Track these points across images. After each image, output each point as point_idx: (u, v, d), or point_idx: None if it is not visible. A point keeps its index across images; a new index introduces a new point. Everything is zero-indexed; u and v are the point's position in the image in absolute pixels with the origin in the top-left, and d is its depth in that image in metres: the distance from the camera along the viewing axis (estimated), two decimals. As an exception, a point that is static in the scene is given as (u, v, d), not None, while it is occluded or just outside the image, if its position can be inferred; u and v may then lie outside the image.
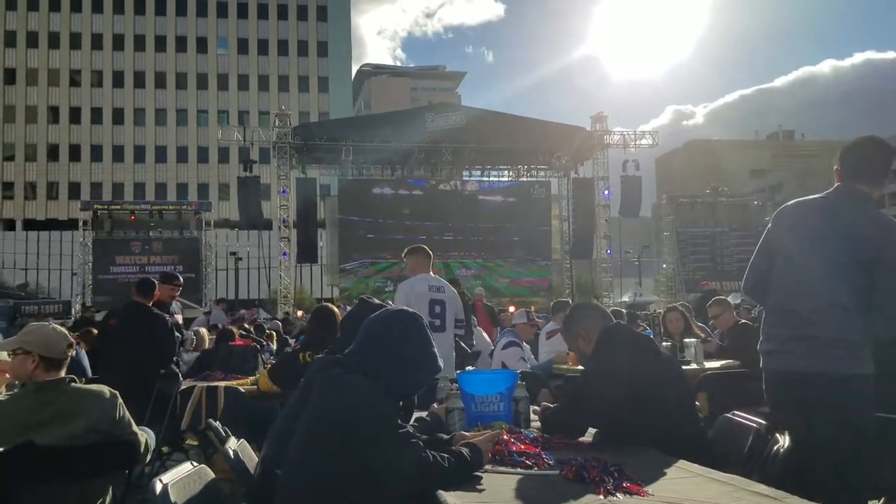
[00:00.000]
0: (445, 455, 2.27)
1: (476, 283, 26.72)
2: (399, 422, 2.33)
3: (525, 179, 31.46)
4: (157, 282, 6.79)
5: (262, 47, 69.02)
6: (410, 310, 2.68)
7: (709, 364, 6.25)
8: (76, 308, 28.09)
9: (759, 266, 3.34)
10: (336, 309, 5.67)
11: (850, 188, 3.19)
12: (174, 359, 6.55)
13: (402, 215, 28.99)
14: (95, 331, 8.89)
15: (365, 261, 28.82)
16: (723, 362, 6.42)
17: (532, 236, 30.19)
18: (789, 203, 3.39)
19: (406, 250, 6.16)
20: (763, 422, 2.92)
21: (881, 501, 3.32)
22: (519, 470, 2.40)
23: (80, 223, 29.16)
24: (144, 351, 6.28)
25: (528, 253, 30.31)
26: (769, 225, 3.40)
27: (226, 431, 3.20)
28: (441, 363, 2.54)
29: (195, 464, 2.55)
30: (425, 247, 6.22)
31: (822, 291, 2.99)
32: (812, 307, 2.98)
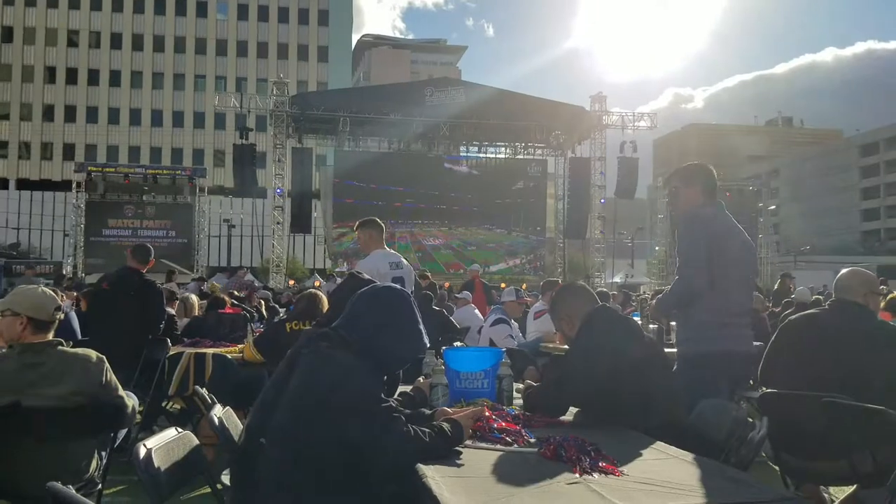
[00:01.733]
0: (426, 430, 2.31)
1: (475, 256, 27.00)
2: (382, 396, 2.36)
3: (522, 157, 31.45)
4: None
5: (263, 14, 68.31)
6: (398, 287, 2.70)
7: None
8: (68, 269, 28.07)
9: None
10: (321, 293, 5.70)
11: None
12: (162, 326, 6.57)
13: (396, 194, 29.02)
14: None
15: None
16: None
17: (527, 212, 30.29)
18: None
19: (357, 223, 5.93)
20: (742, 406, 2.96)
21: (855, 488, 3.38)
22: (499, 446, 2.44)
23: (74, 185, 29.07)
24: (135, 317, 6.30)
25: (523, 229, 30.43)
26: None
27: (212, 398, 3.23)
28: (427, 341, 2.56)
29: (180, 430, 2.58)
30: (377, 219, 5.94)
31: None
32: None
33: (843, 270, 3.93)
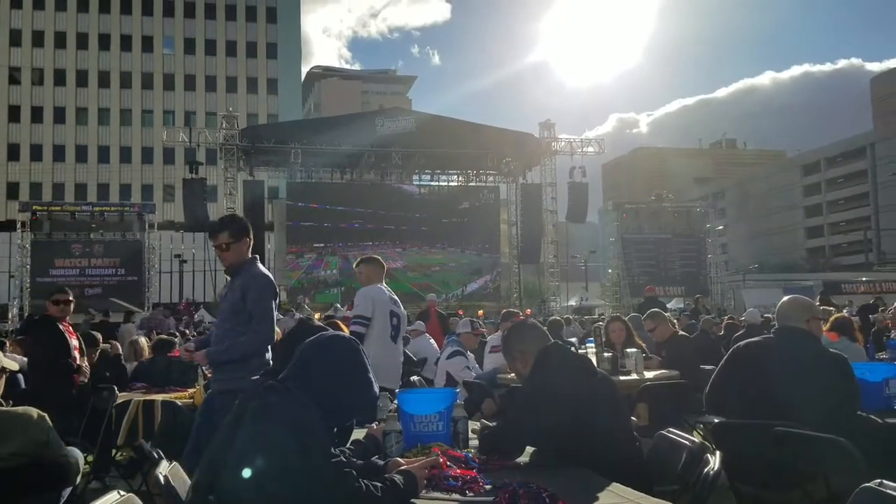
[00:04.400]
0: (378, 484, 2.26)
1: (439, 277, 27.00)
2: (332, 451, 2.31)
3: (474, 184, 31.67)
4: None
5: (210, 48, 67.97)
6: (347, 336, 2.67)
7: (648, 374, 6.35)
8: (13, 312, 27.26)
9: None
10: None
11: None
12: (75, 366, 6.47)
13: (349, 215, 28.92)
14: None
15: (311, 255, 28.67)
16: (660, 372, 6.54)
17: (481, 239, 30.40)
18: None
19: (361, 259, 6.12)
20: (696, 440, 2.98)
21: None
22: (455, 496, 2.40)
23: (19, 224, 28.36)
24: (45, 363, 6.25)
25: (476, 248, 30.51)
26: None
27: (157, 453, 3.13)
28: (377, 390, 2.52)
29: (122, 493, 2.48)
30: (378, 257, 6.22)
31: None
32: None
33: (784, 298, 4.03)
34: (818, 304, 10.96)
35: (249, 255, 4.45)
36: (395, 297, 5.98)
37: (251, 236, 4.49)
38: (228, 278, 4.53)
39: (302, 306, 22.81)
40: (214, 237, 4.37)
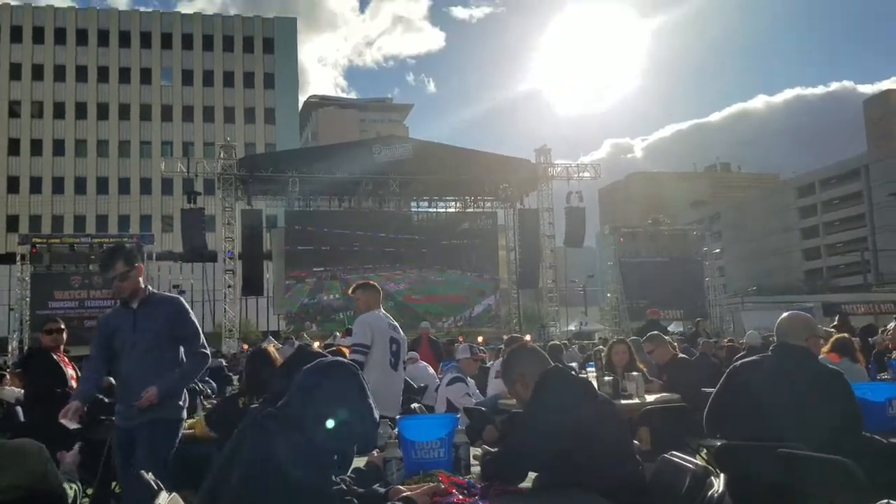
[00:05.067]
0: (380, 512, 2.24)
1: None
2: (333, 479, 2.29)
3: (472, 210, 31.74)
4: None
5: (208, 79, 68.43)
6: (346, 361, 2.66)
7: (649, 398, 6.32)
8: (13, 345, 27.15)
9: None
10: (273, 350, 5.59)
11: None
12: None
13: (348, 238, 28.92)
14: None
15: (311, 280, 28.60)
16: (662, 395, 6.50)
17: (480, 262, 30.38)
18: None
19: (357, 286, 6.09)
20: (700, 463, 2.96)
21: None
22: (456, 522, 2.38)
23: (18, 257, 28.32)
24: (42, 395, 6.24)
25: (476, 269, 30.44)
26: None
27: (157, 484, 3.10)
28: (377, 416, 2.51)
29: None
30: (374, 283, 6.20)
31: None
32: None
33: (783, 315, 4.00)
34: (836, 326, 10.95)
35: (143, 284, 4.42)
36: (395, 323, 5.96)
37: (140, 267, 4.45)
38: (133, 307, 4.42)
39: (302, 334, 22.73)
40: (111, 268, 4.30)
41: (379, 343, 5.66)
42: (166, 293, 4.52)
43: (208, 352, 4.45)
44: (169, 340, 4.31)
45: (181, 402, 4.51)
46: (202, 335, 4.45)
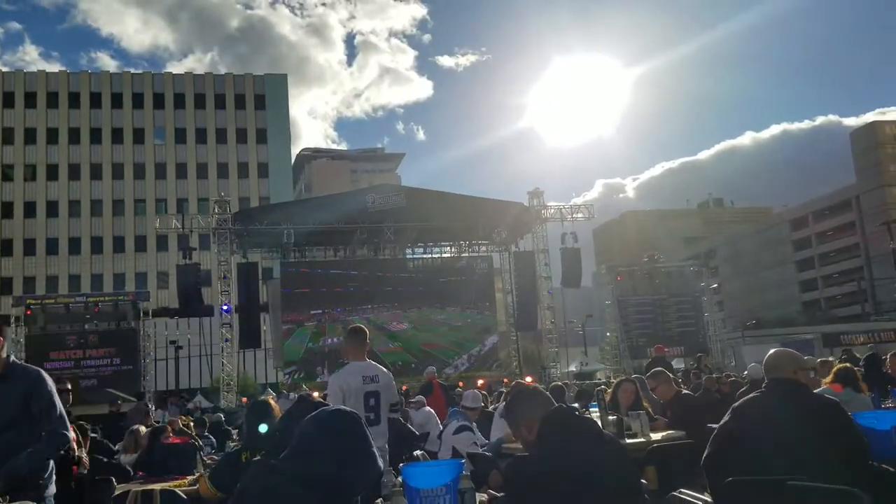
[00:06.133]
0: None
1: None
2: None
3: (467, 255, 31.79)
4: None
5: (201, 136, 69.08)
6: (348, 409, 2.63)
7: (655, 436, 6.26)
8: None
9: None
10: (272, 402, 5.53)
11: None
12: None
13: (344, 278, 28.88)
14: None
15: (311, 324, 28.43)
16: (667, 433, 6.44)
17: (478, 303, 30.32)
18: None
19: (344, 333, 6.09)
20: (708, 500, 2.92)
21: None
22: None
23: (13, 319, 28.22)
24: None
25: (474, 306, 30.33)
26: None
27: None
28: (381, 465, 2.48)
29: None
30: (363, 327, 6.12)
31: None
32: None
33: (769, 352, 4.02)
34: (843, 359, 10.90)
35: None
36: (374, 372, 5.82)
37: (5, 335, 4.19)
38: None
39: (301, 385, 22.59)
40: None
41: (353, 404, 5.52)
42: (30, 366, 4.21)
43: (68, 429, 4.14)
44: (23, 419, 4.00)
45: (41, 481, 4.14)
46: (63, 413, 4.14)
